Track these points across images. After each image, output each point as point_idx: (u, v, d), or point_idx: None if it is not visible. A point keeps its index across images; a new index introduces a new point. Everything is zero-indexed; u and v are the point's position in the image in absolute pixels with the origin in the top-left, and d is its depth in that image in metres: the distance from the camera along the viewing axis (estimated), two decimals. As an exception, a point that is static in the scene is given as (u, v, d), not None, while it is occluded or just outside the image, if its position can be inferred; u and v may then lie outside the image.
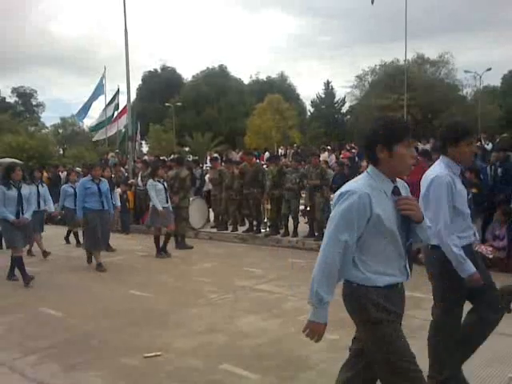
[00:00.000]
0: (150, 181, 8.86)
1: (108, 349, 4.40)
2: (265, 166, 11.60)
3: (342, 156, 17.64)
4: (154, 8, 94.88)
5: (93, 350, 4.39)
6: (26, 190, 7.02)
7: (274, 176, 9.89)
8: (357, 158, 16.14)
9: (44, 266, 8.29)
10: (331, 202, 2.42)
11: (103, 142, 27.84)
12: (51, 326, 5.01)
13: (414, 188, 9.54)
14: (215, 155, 15.63)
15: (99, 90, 23.62)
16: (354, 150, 19.68)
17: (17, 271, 6.95)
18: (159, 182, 8.83)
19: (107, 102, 23.39)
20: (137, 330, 4.87)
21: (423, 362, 3.95)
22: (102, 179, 8.02)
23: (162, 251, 8.76)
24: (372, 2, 26.65)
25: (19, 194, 6.83)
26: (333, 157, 17.70)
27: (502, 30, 67.05)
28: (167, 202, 8.93)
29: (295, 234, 9.71)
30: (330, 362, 3.98)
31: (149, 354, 4.17)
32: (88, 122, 48.32)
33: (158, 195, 8.69)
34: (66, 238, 10.62)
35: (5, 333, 4.94)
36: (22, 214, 6.84)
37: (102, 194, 7.80)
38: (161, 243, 8.79)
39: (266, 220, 10.30)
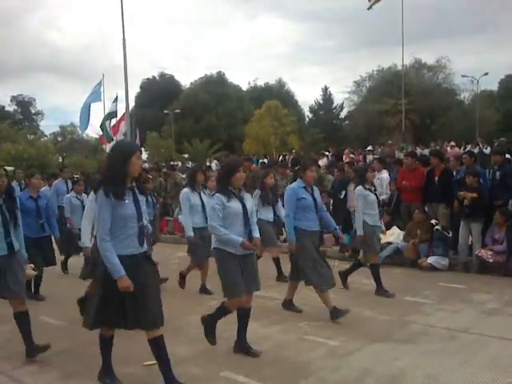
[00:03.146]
0: (360, 188, 6.44)
1: (108, 357, 4.38)
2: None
3: (344, 158, 17.62)
4: (153, 15, 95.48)
5: (92, 358, 4.35)
6: (249, 200, 4.51)
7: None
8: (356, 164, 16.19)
9: (43, 275, 8.24)
10: None
11: (102, 149, 27.84)
12: (51, 335, 4.97)
13: (415, 192, 9.45)
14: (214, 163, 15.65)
15: (96, 95, 23.39)
16: (352, 156, 19.72)
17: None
18: (370, 190, 6.51)
19: (106, 112, 23.23)
20: (136, 338, 4.83)
21: (423, 366, 3.95)
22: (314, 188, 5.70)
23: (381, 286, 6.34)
24: (368, 8, 26.83)
25: (244, 207, 4.34)
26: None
27: (498, 34, 67.61)
28: (380, 218, 6.87)
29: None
30: (331, 369, 3.97)
31: (148, 362, 4.14)
32: (90, 130, 48.52)
33: (368, 208, 6.37)
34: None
35: (4, 342, 4.93)
36: (252, 232, 4.39)
37: (317, 208, 5.49)
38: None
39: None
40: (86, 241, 5.75)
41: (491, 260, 7.15)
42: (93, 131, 43.39)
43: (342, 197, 9.26)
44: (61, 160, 39.93)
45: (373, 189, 6.57)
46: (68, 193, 9.02)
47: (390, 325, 5.08)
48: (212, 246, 4.44)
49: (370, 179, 6.58)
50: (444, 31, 68.08)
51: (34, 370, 4.15)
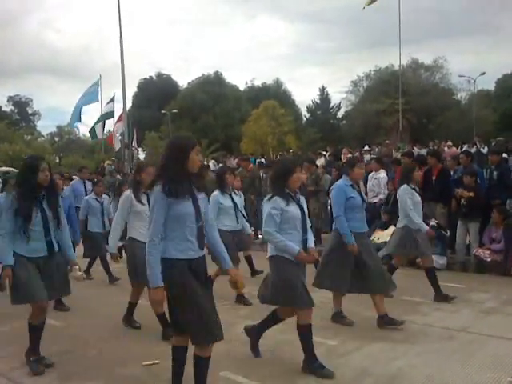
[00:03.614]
0: (405, 187, 5.86)
1: (107, 358, 4.38)
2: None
3: (343, 158, 17.63)
4: (150, 15, 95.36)
5: (91, 359, 4.37)
6: (306, 204, 4.22)
7: None
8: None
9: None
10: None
11: (100, 149, 27.82)
12: (50, 336, 4.95)
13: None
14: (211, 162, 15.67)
15: (92, 96, 23.33)
16: (349, 155, 19.73)
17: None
18: (415, 190, 5.93)
19: (103, 112, 23.18)
20: (135, 339, 4.85)
21: (422, 366, 3.96)
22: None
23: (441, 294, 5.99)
24: (363, 8, 26.94)
25: (302, 212, 4.03)
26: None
27: (495, 34, 67.65)
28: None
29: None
30: (329, 369, 3.97)
31: (147, 362, 4.15)
32: (82, 128, 48.43)
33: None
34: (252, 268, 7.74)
35: (3, 342, 4.91)
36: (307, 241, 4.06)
37: (364, 208, 5.15)
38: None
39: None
40: (113, 245, 5.24)
41: (489, 259, 7.18)
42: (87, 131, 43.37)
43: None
44: (58, 160, 39.88)
45: (417, 189, 5.99)
46: (86, 193, 8.70)
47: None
48: (268, 255, 4.07)
49: (417, 178, 6.05)
50: (444, 32, 68.38)
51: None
